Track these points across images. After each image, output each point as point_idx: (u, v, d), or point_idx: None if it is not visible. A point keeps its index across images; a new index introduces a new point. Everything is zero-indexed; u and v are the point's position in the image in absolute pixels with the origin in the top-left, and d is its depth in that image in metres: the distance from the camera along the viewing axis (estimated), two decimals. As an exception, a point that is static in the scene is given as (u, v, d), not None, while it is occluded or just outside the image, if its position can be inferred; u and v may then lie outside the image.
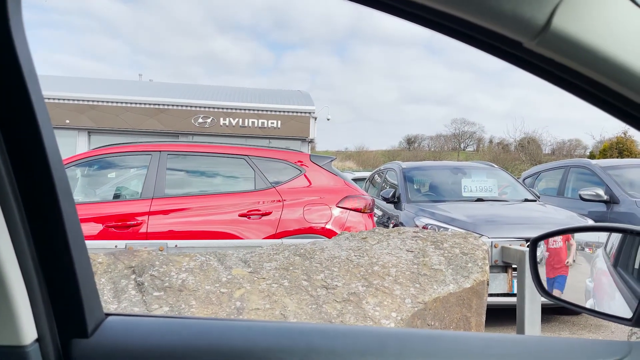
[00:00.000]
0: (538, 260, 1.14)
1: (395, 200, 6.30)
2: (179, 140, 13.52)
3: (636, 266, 1.02)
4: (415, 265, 2.37)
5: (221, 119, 16.45)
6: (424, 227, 4.99)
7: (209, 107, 16.42)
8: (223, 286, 2.18)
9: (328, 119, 21.04)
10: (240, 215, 4.41)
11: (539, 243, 1.09)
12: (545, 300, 1.11)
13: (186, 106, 16.28)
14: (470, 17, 0.52)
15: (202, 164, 4.81)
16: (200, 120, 16.32)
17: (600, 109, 0.62)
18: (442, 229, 4.86)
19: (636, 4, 0.52)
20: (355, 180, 12.00)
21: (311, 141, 18.15)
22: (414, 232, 2.73)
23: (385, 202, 6.54)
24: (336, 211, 4.62)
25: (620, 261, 1.07)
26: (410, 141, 57.56)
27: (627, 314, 0.88)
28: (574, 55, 0.53)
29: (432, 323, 2.15)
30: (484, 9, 0.51)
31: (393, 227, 5.86)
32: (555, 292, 1.07)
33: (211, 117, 16.39)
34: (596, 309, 1.02)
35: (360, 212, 4.72)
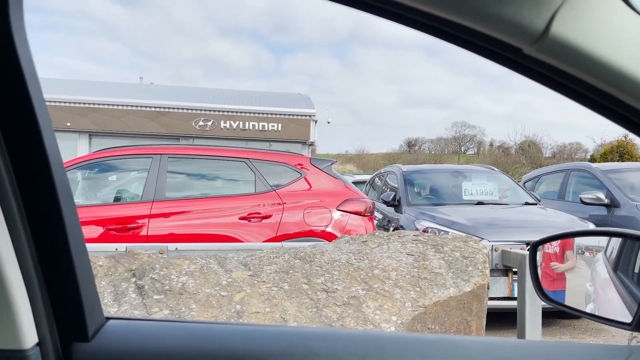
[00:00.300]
0: (538, 264, 1.14)
1: (395, 204, 6.30)
2: (180, 143, 13.53)
3: (636, 270, 1.02)
4: (415, 268, 2.36)
5: (222, 122, 16.47)
6: (425, 231, 4.99)
7: (210, 110, 16.45)
8: (223, 289, 2.18)
9: (329, 122, 21.06)
10: (241, 218, 4.42)
11: (539, 247, 1.09)
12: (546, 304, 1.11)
13: (187, 109, 16.30)
14: (470, 24, 0.52)
15: (202, 167, 4.82)
16: (201, 123, 16.34)
17: (601, 114, 0.62)
18: (442, 233, 4.86)
19: (635, 10, 0.53)
20: (356, 183, 12.00)
21: (312, 144, 18.17)
22: (414, 235, 2.73)
23: (385, 205, 6.54)
24: (336, 214, 4.62)
25: (620, 265, 1.07)
26: (410, 144, 57.60)
27: (627, 318, 0.88)
28: (573, 61, 0.53)
29: (433, 327, 2.15)
30: (483, 16, 0.51)
31: (393, 230, 5.86)
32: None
33: (212, 120, 16.41)
34: (596, 313, 1.02)
35: (361, 215, 4.72)
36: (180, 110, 16.28)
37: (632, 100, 0.56)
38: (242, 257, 2.50)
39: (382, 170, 8.41)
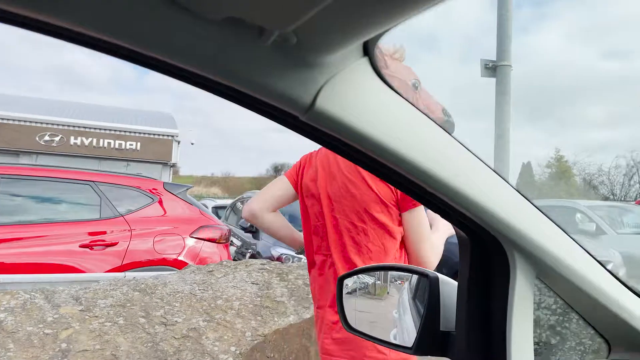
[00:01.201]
0: (351, 291, 1.25)
1: (253, 230, 6.33)
2: (18, 162, 12.14)
3: (425, 298, 1.18)
4: (259, 297, 2.41)
5: (72, 137, 15.15)
6: (279, 258, 5.09)
7: (58, 124, 15.03)
8: (48, 327, 2.00)
9: (192, 144, 20.58)
10: (82, 246, 4.08)
11: (345, 281, 1.20)
12: None
13: (30, 122, 14.71)
14: (252, 92, 0.59)
15: (41, 189, 4.38)
16: (46, 138, 14.85)
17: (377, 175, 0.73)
18: (296, 259, 5.00)
19: (389, 87, 0.64)
20: (218, 208, 11.82)
21: (173, 165, 17.53)
22: (261, 264, 2.79)
23: (244, 232, 6.54)
24: (190, 241, 4.51)
25: (417, 294, 1.23)
26: (277, 169, 58.44)
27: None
28: (338, 129, 0.62)
29: (272, 355, 2.20)
30: (262, 87, 0.58)
31: (250, 257, 5.88)
32: (361, 327, 1.18)
33: (60, 135, 15.01)
34: (397, 338, 1.15)
35: (216, 242, 4.66)
36: (22, 123, 14.64)
37: (389, 164, 0.68)
38: (74, 290, 2.32)
39: (243, 195, 8.43)
